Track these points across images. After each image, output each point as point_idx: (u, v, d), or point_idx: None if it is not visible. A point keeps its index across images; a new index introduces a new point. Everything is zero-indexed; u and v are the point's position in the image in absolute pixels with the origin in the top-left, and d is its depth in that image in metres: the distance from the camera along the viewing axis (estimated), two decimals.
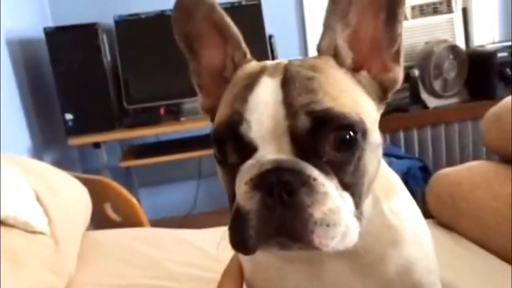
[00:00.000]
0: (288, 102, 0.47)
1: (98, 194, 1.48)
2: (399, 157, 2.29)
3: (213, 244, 1.22)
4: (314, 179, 0.45)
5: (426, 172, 2.25)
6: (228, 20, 0.58)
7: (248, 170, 0.47)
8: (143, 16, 2.31)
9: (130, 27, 2.32)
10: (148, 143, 2.52)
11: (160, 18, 2.32)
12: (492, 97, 2.40)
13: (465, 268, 1.09)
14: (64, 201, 1.19)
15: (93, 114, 2.23)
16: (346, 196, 0.48)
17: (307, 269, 0.59)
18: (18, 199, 0.99)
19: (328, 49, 0.53)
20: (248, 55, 0.59)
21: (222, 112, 0.52)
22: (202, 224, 1.44)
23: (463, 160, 1.40)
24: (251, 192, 0.46)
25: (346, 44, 0.53)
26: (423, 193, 1.39)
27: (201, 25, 0.59)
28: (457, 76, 2.53)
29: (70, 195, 1.27)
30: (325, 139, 0.47)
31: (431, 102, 2.53)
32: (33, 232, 0.99)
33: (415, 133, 2.53)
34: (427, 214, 1.37)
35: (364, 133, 0.48)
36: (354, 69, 0.53)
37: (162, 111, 2.39)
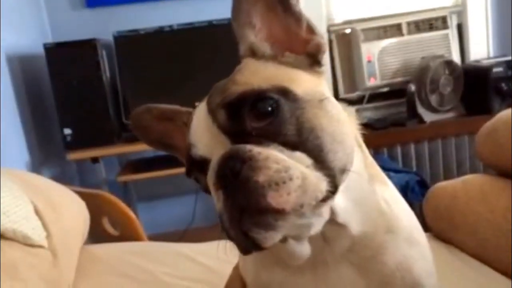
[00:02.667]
0: (210, 110, 0.53)
1: (96, 208, 1.49)
2: (396, 171, 2.30)
3: (212, 258, 1.23)
4: (250, 151, 0.48)
5: (424, 186, 2.25)
6: (162, 106, 0.69)
7: (211, 176, 0.51)
8: (142, 32, 2.34)
9: (129, 43, 2.34)
10: (146, 158, 2.52)
11: (159, 34, 2.34)
12: (488, 111, 2.42)
13: (461, 281, 1.09)
14: (63, 215, 1.19)
15: (92, 129, 2.23)
16: (298, 154, 0.50)
17: (311, 278, 0.60)
18: (17, 212, 0.99)
19: (246, 52, 0.60)
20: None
21: None
22: (200, 239, 1.44)
23: (460, 174, 1.41)
24: (219, 195, 0.50)
25: (261, 40, 0.59)
26: (421, 206, 1.39)
27: (156, 127, 0.69)
28: (453, 91, 2.55)
29: (69, 209, 1.27)
30: (246, 117, 0.51)
31: (428, 116, 2.55)
32: (32, 245, 1.00)
33: (412, 147, 2.54)
34: (424, 227, 1.38)
35: (287, 94, 0.52)
36: (277, 55, 0.59)
37: None
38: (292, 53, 0.59)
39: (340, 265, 0.59)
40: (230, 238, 0.50)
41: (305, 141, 0.50)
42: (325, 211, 0.52)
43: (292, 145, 0.50)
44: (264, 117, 0.50)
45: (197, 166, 0.54)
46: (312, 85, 0.56)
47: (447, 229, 1.27)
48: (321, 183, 0.49)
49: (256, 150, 0.48)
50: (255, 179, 0.46)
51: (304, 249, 0.56)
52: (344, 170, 0.53)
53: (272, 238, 0.49)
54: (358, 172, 0.57)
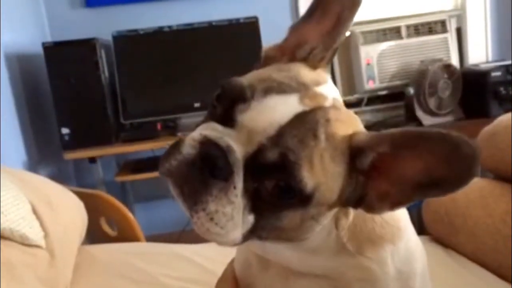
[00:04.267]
0: (282, 130, 0.49)
1: (93, 208, 1.48)
2: None
3: (209, 259, 1.23)
4: (235, 187, 0.48)
5: None
6: None
7: (211, 129, 0.51)
8: (141, 32, 2.33)
9: (128, 43, 2.33)
10: (144, 158, 2.52)
11: (158, 34, 2.34)
12: (486, 115, 2.43)
13: (460, 284, 1.09)
14: (61, 214, 1.18)
15: (90, 128, 2.23)
16: (250, 218, 0.50)
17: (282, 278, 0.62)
18: (15, 212, 0.99)
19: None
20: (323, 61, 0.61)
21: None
22: (197, 240, 1.42)
23: None
24: (196, 143, 0.50)
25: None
26: (419, 210, 1.39)
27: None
28: (451, 94, 2.56)
29: (67, 209, 1.27)
30: (271, 174, 0.48)
31: (426, 120, 2.55)
32: (29, 245, 0.99)
33: None
34: (423, 231, 1.38)
35: (304, 202, 0.49)
36: (365, 174, 0.52)
37: (158, 126, 2.40)
38: (363, 180, 0.52)
39: (306, 281, 0.61)
40: (166, 153, 0.52)
41: (265, 221, 0.51)
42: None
43: (256, 213, 0.50)
44: (274, 190, 0.49)
45: (228, 102, 0.52)
46: (327, 210, 0.53)
47: (446, 233, 1.27)
48: (235, 242, 0.51)
49: (237, 192, 0.48)
50: (210, 200, 0.48)
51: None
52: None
53: None
54: (319, 244, 0.57)
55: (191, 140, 0.50)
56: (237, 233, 0.50)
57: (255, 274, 0.65)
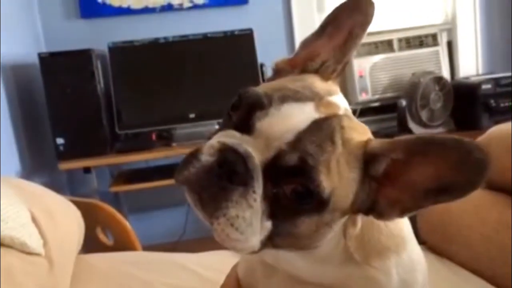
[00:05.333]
0: (299, 136, 0.50)
1: (90, 218, 1.48)
2: None
3: (208, 268, 1.23)
4: (255, 192, 0.49)
5: None
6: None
7: (229, 137, 0.52)
8: (137, 43, 2.35)
9: (124, 54, 2.35)
10: (138, 168, 2.52)
11: (154, 45, 2.36)
12: (477, 127, 2.47)
13: None
14: (59, 223, 1.18)
15: (85, 139, 2.23)
16: (268, 225, 0.51)
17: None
18: (15, 219, 0.99)
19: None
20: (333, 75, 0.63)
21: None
22: (192, 250, 1.44)
23: None
24: (215, 150, 0.51)
25: (393, 168, 0.53)
26: (414, 219, 1.41)
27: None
28: (443, 106, 2.60)
29: (65, 217, 1.27)
30: (288, 180, 0.50)
31: (418, 131, 2.58)
32: (29, 253, 0.99)
33: None
34: (418, 240, 1.39)
35: (320, 208, 0.51)
36: (377, 181, 0.53)
37: (153, 136, 2.41)
38: (376, 187, 0.54)
39: None
40: (184, 162, 0.53)
41: (282, 228, 0.52)
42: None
43: (274, 219, 0.51)
44: (292, 195, 0.50)
45: (246, 109, 0.53)
46: (340, 215, 0.54)
47: (441, 242, 1.29)
48: (253, 249, 0.52)
49: (256, 197, 0.50)
50: (230, 205, 0.49)
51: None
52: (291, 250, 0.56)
53: None
54: (328, 252, 0.58)
55: (209, 148, 0.51)
56: (256, 240, 0.51)
57: (259, 281, 0.66)
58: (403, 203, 0.52)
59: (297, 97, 0.53)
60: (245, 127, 0.52)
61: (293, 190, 0.50)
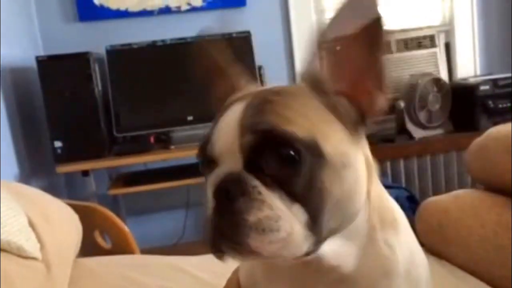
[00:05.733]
0: (241, 123, 0.52)
1: (87, 221, 1.48)
2: (386, 187, 2.30)
3: (206, 271, 1.23)
4: (253, 187, 0.49)
5: (413, 202, 2.27)
6: (226, 60, 0.66)
7: (210, 182, 0.52)
8: (135, 46, 2.35)
9: (121, 56, 2.35)
10: (136, 171, 2.51)
11: (152, 48, 2.36)
12: (475, 128, 2.47)
13: None
14: (56, 227, 1.18)
15: (83, 142, 2.22)
16: (296, 207, 0.50)
17: None
18: (12, 223, 0.99)
19: (309, 77, 0.57)
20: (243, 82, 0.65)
21: None
22: (190, 254, 1.43)
23: (449, 190, 1.44)
24: (211, 201, 0.51)
25: (329, 71, 0.56)
26: (412, 221, 1.40)
27: (210, 65, 0.68)
28: (441, 108, 2.60)
29: (62, 221, 1.27)
30: (268, 155, 0.50)
31: (417, 133, 2.59)
32: (26, 257, 0.99)
33: (401, 163, 2.57)
34: None
35: (314, 150, 0.51)
36: (334, 93, 0.56)
37: (151, 139, 2.41)
38: (346, 100, 0.56)
39: None
40: (205, 233, 0.52)
41: (309, 198, 0.50)
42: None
43: (295, 197, 0.50)
44: (283, 163, 0.50)
45: (206, 160, 0.55)
46: (344, 146, 0.54)
47: (439, 243, 1.29)
48: (304, 244, 0.50)
49: (258, 189, 0.49)
50: (245, 216, 0.48)
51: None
52: (336, 230, 0.54)
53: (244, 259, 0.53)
54: (358, 222, 0.57)
55: (209, 204, 0.51)
56: (298, 229, 0.49)
57: (260, 285, 0.65)
58: (369, 91, 0.55)
59: (229, 105, 0.56)
60: (211, 164, 0.54)
61: (279, 160, 0.50)
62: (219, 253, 0.52)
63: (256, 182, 0.49)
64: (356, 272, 0.58)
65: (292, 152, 0.50)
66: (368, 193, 0.58)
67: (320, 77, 0.56)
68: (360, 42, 0.53)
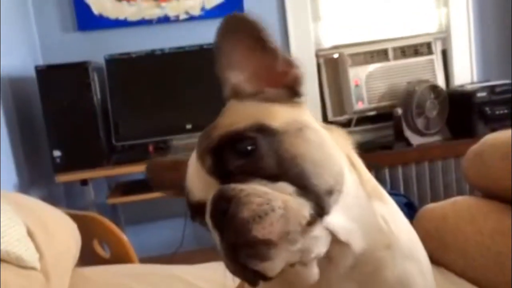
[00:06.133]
0: (199, 158, 0.56)
1: (86, 230, 1.48)
2: None
3: (205, 280, 1.23)
4: (233, 190, 0.51)
5: (411, 209, 2.28)
6: (168, 157, 0.69)
7: (207, 221, 0.54)
8: (133, 55, 2.36)
9: (120, 66, 2.36)
10: (135, 180, 2.51)
11: (150, 57, 2.37)
12: (473, 135, 2.48)
13: None
14: (55, 236, 1.19)
15: (82, 151, 2.23)
16: (280, 184, 0.52)
17: None
18: (11, 234, 0.99)
19: (229, 94, 0.62)
20: None
21: None
22: (189, 263, 1.43)
23: (447, 197, 1.44)
24: (215, 235, 0.52)
25: (243, 80, 0.61)
26: None
27: (166, 177, 0.73)
28: (438, 115, 2.61)
29: (61, 230, 1.27)
30: (230, 159, 0.54)
31: (415, 139, 2.60)
32: (25, 267, 0.99)
33: (400, 170, 2.57)
34: None
35: (264, 130, 0.55)
36: (258, 92, 0.61)
37: (150, 148, 2.41)
38: (272, 88, 0.61)
39: (343, 283, 0.60)
40: (233, 274, 0.53)
41: (286, 171, 0.53)
42: (320, 233, 0.53)
43: (275, 177, 0.52)
44: (245, 155, 0.53)
45: (197, 210, 0.57)
46: (291, 116, 0.58)
47: (437, 250, 1.29)
48: (303, 209, 0.51)
49: (239, 187, 0.51)
50: (240, 215, 0.49)
51: (312, 272, 0.57)
52: (331, 191, 0.55)
53: (272, 267, 0.51)
54: (353, 191, 0.59)
55: (215, 236, 0.53)
56: (289, 199, 0.51)
57: None
58: (283, 72, 0.61)
59: None
60: (195, 202, 0.57)
61: (241, 157, 0.53)
62: (248, 274, 0.52)
63: (234, 185, 0.52)
64: (363, 250, 0.59)
65: (246, 144, 0.53)
66: (350, 159, 0.62)
67: (239, 89, 0.62)
68: (252, 48, 0.60)
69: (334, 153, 0.58)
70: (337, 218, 0.56)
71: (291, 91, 0.62)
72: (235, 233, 0.49)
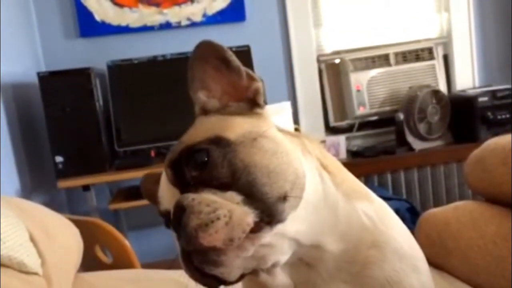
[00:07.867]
0: (164, 169, 0.60)
1: (88, 236, 1.48)
2: (387, 199, 2.31)
3: None
4: (187, 199, 0.53)
5: (414, 213, 2.27)
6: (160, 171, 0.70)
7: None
8: (135, 61, 2.37)
9: (122, 71, 2.37)
10: (137, 185, 2.51)
11: (152, 63, 2.38)
12: (475, 140, 2.48)
13: None
14: (57, 242, 1.18)
15: (84, 156, 2.24)
16: (229, 193, 0.54)
17: None
18: (14, 239, 0.99)
19: (199, 112, 0.66)
20: None
21: None
22: None
23: (449, 201, 1.44)
24: (175, 239, 0.56)
25: (212, 98, 0.66)
26: (413, 233, 1.41)
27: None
28: (440, 119, 2.61)
29: (63, 236, 1.27)
30: (187, 170, 0.57)
31: (417, 144, 2.60)
32: (27, 272, 0.99)
33: (402, 175, 2.57)
34: None
35: (219, 142, 0.57)
36: (224, 107, 0.65)
37: (152, 153, 2.42)
38: (236, 102, 0.65)
39: (331, 285, 0.61)
40: (192, 279, 0.56)
41: (238, 180, 0.55)
42: (273, 241, 0.55)
43: (227, 186, 0.55)
44: (200, 167, 0.56)
45: (168, 218, 0.59)
46: (248, 127, 0.60)
47: (439, 255, 1.29)
48: (247, 217, 0.53)
49: (192, 197, 0.53)
50: (189, 224, 0.52)
51: (278, 279, 0.60)
52: (285, 198, 0.56)
53: (228, 272, 0.54)
54: (321, 194, 0.60)
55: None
56: (235, 208, 0.53)
57: None
58: (245, 87, 0.65)
59: None
60: (164, 211, 0.61)
61: (196, 167, 0.56)
62: (207, 279, 0.54)
63: (188, 194, 0.54)
64: (344, 251, 0.60)
65: (201, 155, 0.56)
66: (322, 163, 0.64)
67: (206, 106, 0.66)
68: (216, 69, 0.65)
69: (292, 160, 0.59)
70: (297, 224, 0.57)
71: (251, 103, 0.65)
72: (186, 240, 0.52)
